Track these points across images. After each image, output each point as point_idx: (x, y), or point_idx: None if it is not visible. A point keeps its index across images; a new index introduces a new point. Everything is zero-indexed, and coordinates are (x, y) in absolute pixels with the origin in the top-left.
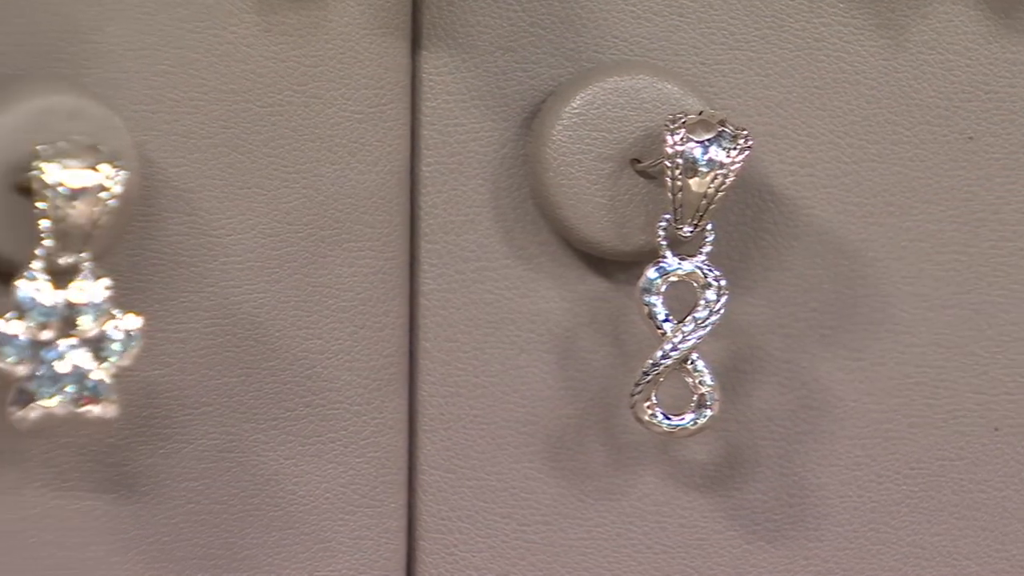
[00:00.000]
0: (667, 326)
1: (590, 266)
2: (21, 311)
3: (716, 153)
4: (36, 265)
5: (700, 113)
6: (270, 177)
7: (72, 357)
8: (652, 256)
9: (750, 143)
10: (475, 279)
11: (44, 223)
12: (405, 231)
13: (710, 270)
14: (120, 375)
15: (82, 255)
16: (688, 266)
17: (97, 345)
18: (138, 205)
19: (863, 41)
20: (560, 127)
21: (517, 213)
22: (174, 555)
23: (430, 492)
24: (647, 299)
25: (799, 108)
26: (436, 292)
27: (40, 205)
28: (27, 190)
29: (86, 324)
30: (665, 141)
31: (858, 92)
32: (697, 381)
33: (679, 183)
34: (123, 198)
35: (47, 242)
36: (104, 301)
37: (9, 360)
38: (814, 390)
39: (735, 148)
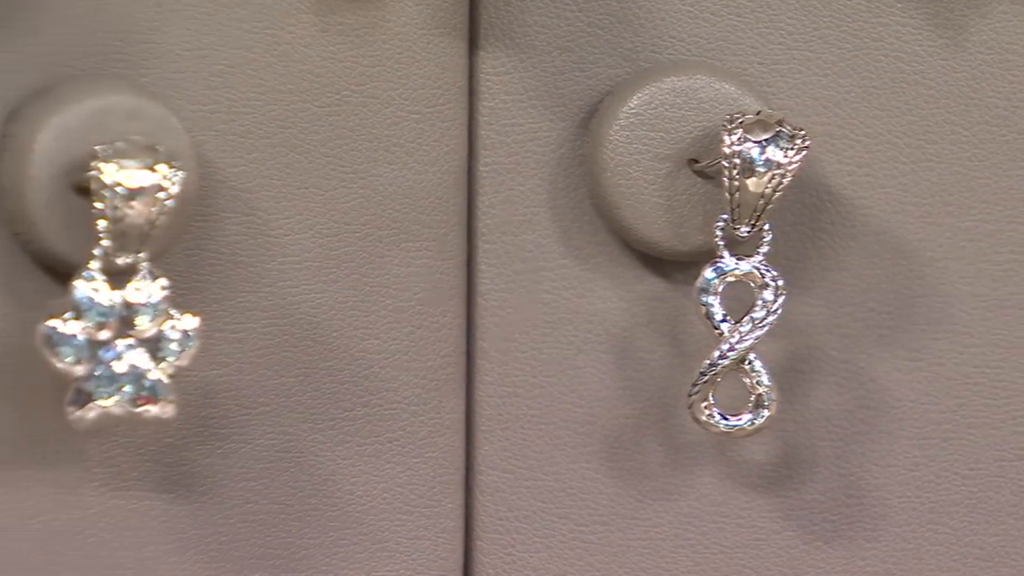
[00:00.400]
0: (724, 326)
1: (648, 266)
2: (79, 311)
3: (774, 153)
4: (94, 265)
5: (758, 113)
6: (328, 177)
7: (130, 357)
8: (710, 256)
9: (808, 143)
10: (533, 279)
11: (102, 223)
12: (462, 231)
13: (767, 270)
14: (178, 375)
15: (140, 255)
16: (745, 266)
17: (155, 345)
18: (196, 205)
19: (921, 40)
20: (617, 127)
21: (575, 213)
22: (231, 555)
23: (487, 492)
24: (704, 299)
25: (857, 108)
26: (493, 292)
27: (98, 205)
28: (85, 190)
29: (143, 324)
30: (722, 141)
31: (917, 92)
32: (754, 381)
33: (736, 183)
34: (181, 198)
35: (105, 242)
36: (161, 301)
37: (67, 360)
38: (872, 390)
39: (792, 148)
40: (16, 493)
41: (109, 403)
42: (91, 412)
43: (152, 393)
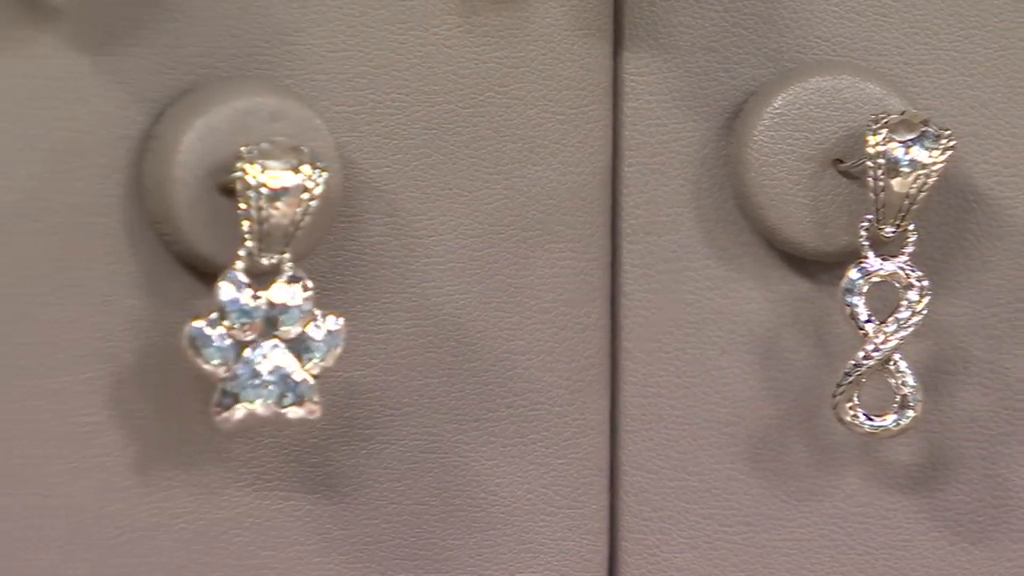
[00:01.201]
0: (869, 327)
1: (792, 267)
2: (223, 312)
3: (918, 153)
4: (238, 266)
5: (903, 113)
6: (471, 178)
7: (274, 358)
8: (854, 257)
9: (953, 143)
10: (677, 280)
11: (246, 224)
12: (607, 232)
13: (912, 271)
14: (322, 376)
15: (284, 256)
16: (890, 267)
17: (299, 346)
18: (340, 206)
19: None
20: (762, 127)
21: (719, 214)
22: (376, 556)
23: (632, 493)
24: (849, 300)
25: (1003, 108)
26: (638, 293)
27: (242, 206)
28: (230, 191)
29: (288, 325)
30: (867, 141)
31: None
32: (899, 382)
33: (881, 183)
34: (325, 199)
35: (249, 243)
36: (305, 302)
37: (212, 361)
38: (1018, 391)
39: (937, 148)
40: (161, 493)
41: (254, 404)
42: (236, 413)
43: (297, 394)
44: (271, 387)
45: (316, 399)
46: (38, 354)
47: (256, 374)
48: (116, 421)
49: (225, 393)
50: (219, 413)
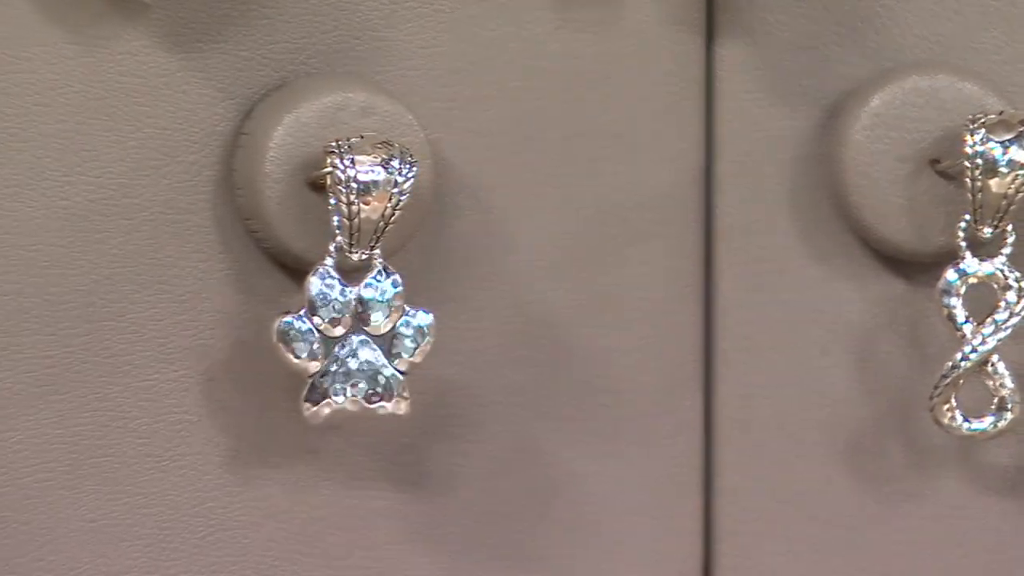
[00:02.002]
0: (967, 328)
1: (889, 267)
2: (313, 307)
3: (1017, 153)
4: (328, 261)
5: (1000, 113)
6: (564, 175)
7: (364, 354)
8: (952, 257)
9: None
10: (772, 280)
11: (336, 219)
12: (701, 231)
13: (1011, 272)
14: (411, 372)
15: (374, 251)
16: (988, 268)
17: (388, 342)
18: (430, 202)
19: None
20: (859, 127)
21: (815, 213)
22: (468, 555)
23: (727, 494)
24: (946, 301)
25: None
26: (733, 292)
27: (332, 201)
28: (320, 186)
29: (377, 321)
30: (964, 141)
31: None
32: (997, 384)
33: (979, 184)
34: (415, 194)
35: (339, 238)
36: (395, 298)
37: (302, 356)
38: None
39: None
40: (253, 491)
41: (343, 399)
42: (325, 408)
43: (386, 390)
44: (360, 382)
45: (405, 394)
46: (127, 352)
47: (346, 369)
48: (206, 418)
49: (314, 388)
50: (308, 408)
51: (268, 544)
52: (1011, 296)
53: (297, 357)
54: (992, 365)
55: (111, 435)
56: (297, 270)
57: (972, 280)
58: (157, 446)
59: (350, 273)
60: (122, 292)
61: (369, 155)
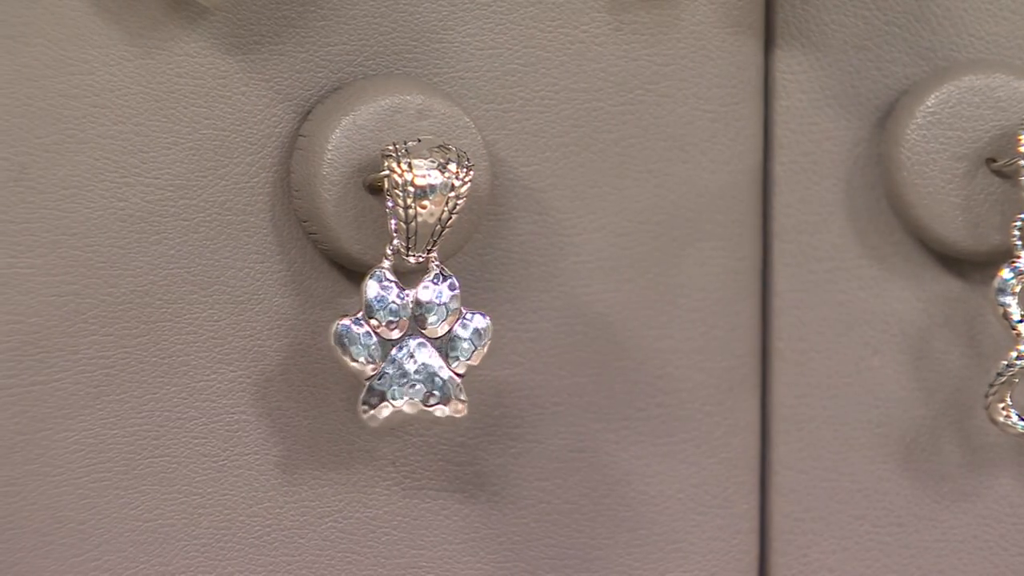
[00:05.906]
0: (1022, 327)
1: (944, 266)
2: (370, 310)
3: None
4: (385, 264)
5: None
6: (620, 176)
7: (421, 356)
8: (1007, 256)
9: None
10: (828, 279)
11: (393, 222)
12: (757, 231)
13: None
14: (468, 374)
15: (430, 254)
16: None
17: (446, 344)
18: (487, 204)
19: None
20: (914, 126)
21: (871, 213)
22: (525, 555)
23: (782, 493)
24: (1002, 299)
25: None
26: (789, 292)
27: (389, 204)
28: (377, 189)
29: (434, 323)
30: (1020, 140)
31: None
32: None
33: None
34: (472, 197)
35: (396, 241)
36: (452, 300)
37: (359, 359)
38: None
39: None
40: (309, 492)
41: (401, 402)
42: (383, 411)
43: (443, 392)
44: (417, 385)
45: (463, 397)
46: (183, 353)
47: (403, 372)
48: (262, 420)
49: (372, 391)
50: (366, 411)
51: (323, 544)
52: None
53: (354, 360)
54: None
55: (167, 436)
56: (353, 272)
57: None
58: (213, 447)
59: (407, 276)
60: (179, 293)
61: (426, 159)
